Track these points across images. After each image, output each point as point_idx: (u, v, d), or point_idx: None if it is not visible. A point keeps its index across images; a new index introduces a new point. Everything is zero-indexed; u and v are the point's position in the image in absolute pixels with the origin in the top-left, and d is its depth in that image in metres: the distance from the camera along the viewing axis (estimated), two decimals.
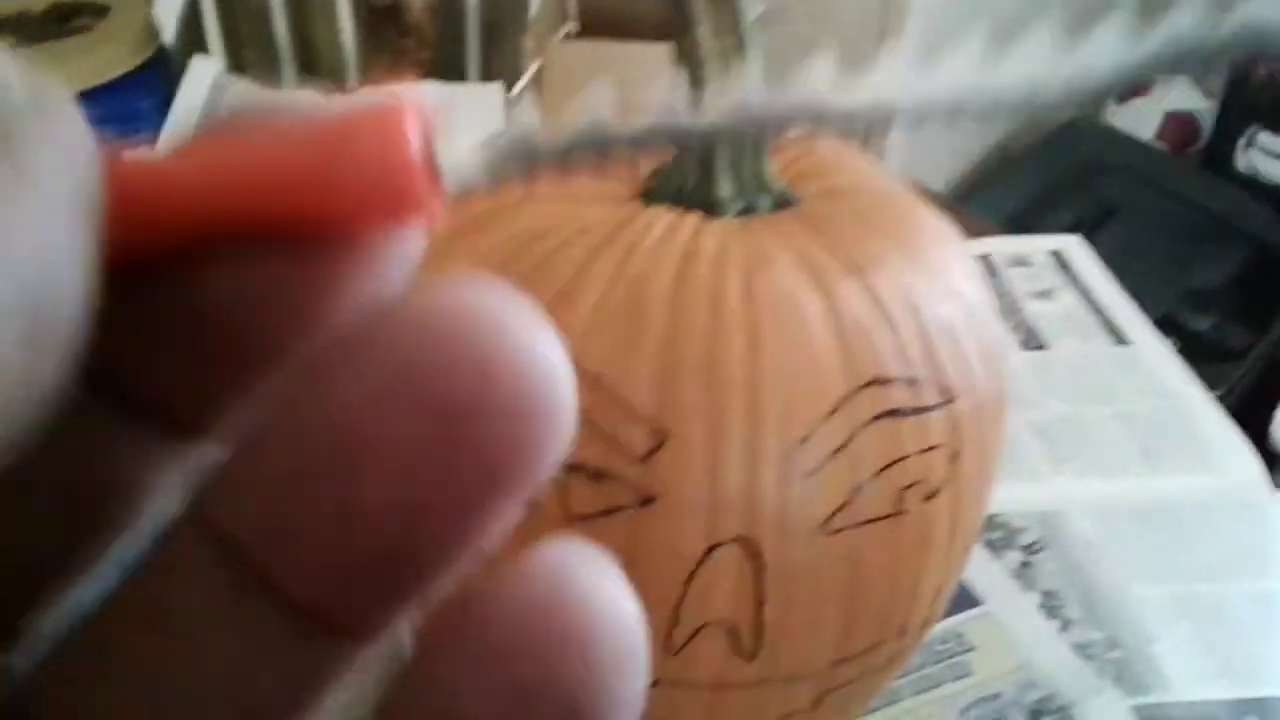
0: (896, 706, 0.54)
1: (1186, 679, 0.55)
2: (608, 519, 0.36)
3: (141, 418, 0.13)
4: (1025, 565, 0.60)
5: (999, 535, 0.62)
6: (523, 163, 0.14)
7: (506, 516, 0.13)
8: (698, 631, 0.38)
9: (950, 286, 0.39)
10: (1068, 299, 0.80)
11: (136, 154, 0.12)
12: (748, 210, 0.39)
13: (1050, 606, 0.58)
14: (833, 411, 0.35)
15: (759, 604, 0.37)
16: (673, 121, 0.15)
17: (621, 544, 0.36)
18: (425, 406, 0.11)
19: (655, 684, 0.39)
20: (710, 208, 0.39)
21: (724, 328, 0.35)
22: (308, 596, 0.12)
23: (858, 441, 0.36)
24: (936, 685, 0.55)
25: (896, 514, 0.37)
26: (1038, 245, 0.87)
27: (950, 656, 0.56)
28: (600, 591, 0.13)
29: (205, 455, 0.14)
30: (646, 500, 0.36)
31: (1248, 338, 0.89)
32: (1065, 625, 0.58)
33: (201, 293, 0.13)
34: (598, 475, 0.36)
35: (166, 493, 0.14)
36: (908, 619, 0.41)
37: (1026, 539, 0.62)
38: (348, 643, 0.13)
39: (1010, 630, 0.57)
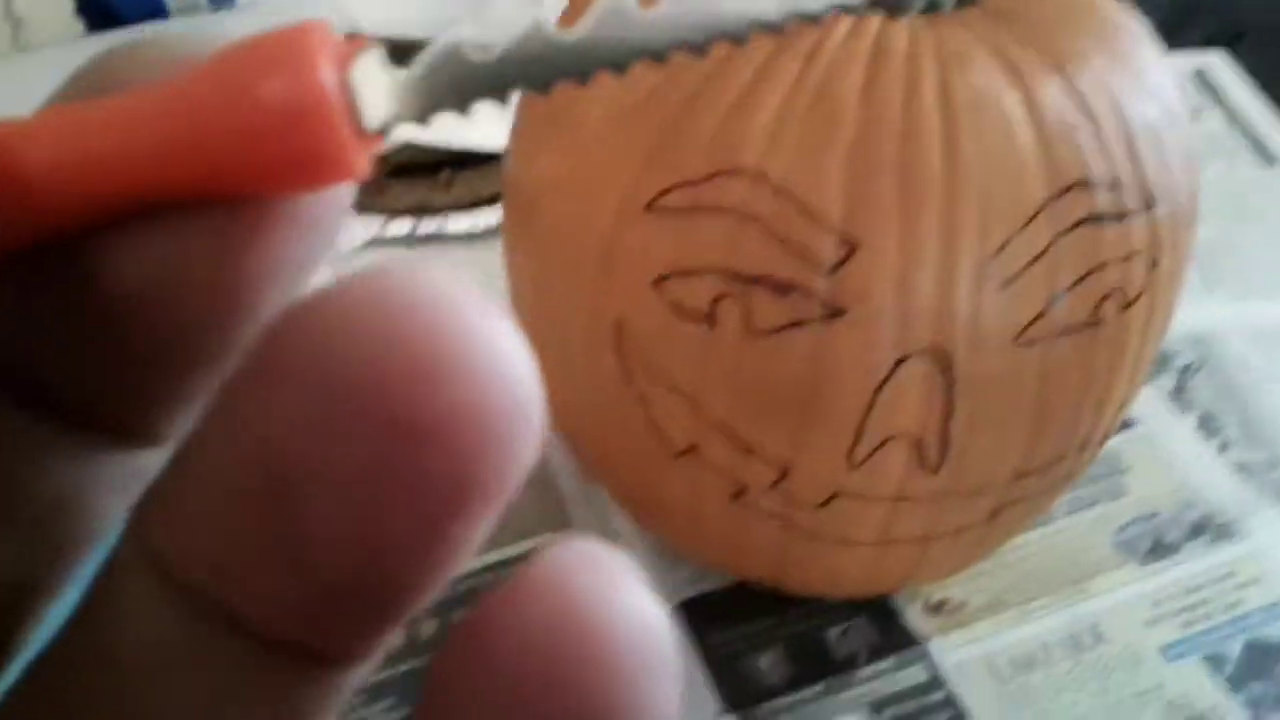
0: (1051, 526, 0.53)
1: None
2: (793, 333, 0.35)
3: (83, 427, 0.12)
4: (1180, 389, 0.59)
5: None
6: (461, 88, 0.12)
7: (479, 528, 0.11)
8: (882, 444, 0.37)
9: (1151, 86, 0.37)
10: (1213, 120, 0.76)
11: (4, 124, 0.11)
12: (931, 7, 0.37)
13: (1208, 428, 0.57)
14: (1033, 217, 0.34)
15: (946, 416, 0.37)
16: None
17: (807, 358, 0.36)
18: (366, 424, 0.09)
19: (834, 497, 0.39)
20: (893, 6, 0.37)
21: (919, 129, 0.34)
22: (271, 630, 0.10)
23: (1057, 249, 0.34)
24: (1092, 505, 0.54)
25: (1092, 324, 0.36)
26: (1180, 64, 0.82)
27: (1106, 477, 0.55)
28: (616, 597, 0.11)
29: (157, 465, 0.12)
30: (835, 313, 0.35)
31: None
32: (1224, 446, 0.56)
33: (103, 276, 0.11)
34: (783, 288, 0.35)
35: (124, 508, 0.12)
36: (1091, 433, 0.41)
37: (1181, 362, 0.60)
38: (329, 669, 0.11)
39: (1167, 451, 0.56)
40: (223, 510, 0.10)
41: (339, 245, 0.65)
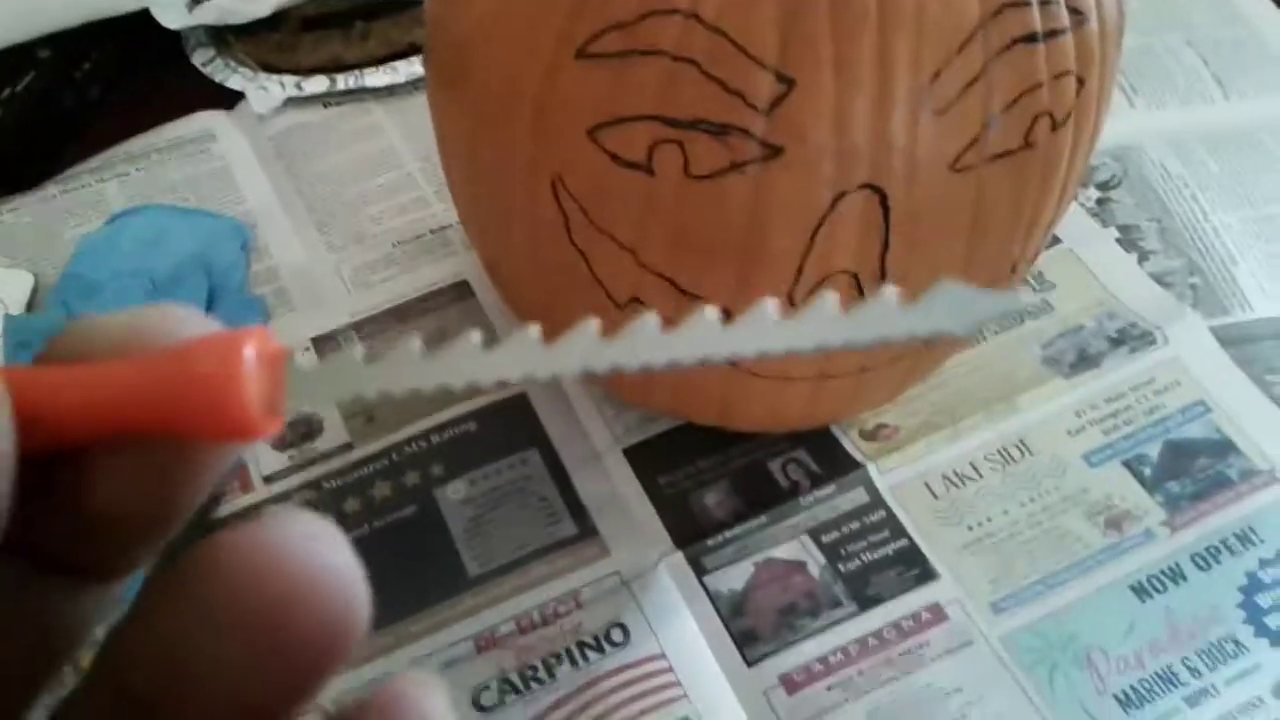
0: (982, 346, 0.55)
1: (1264, 298, 0.56)
2: (731, 176, 0.35)
3: (60, 570, 0.16)
4: (1102, 202, 0.60)
5: None
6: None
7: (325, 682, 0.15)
8: (821, 282, 0.38)
9: None
10: None
11: (20, 372, 0.15)
12: None
13: (1129, 240, 0.58)
14: (967, 41, 0.34)
15: (883, 250, 0.37)
16: None
17: (746, 201, 0.36)
18: (243, 636, 0.14)
19: None
20: None
21: None
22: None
23: (991, 72, 0.34)
24: (1020, 323, 0.56)
25: (1025, 147, 0.36)
26: None
27: (1032, 295, 0.56)
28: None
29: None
30: (772, 153, 0.35)
31: None
32: (1144, 256, 0.58)
33: (86, 492, 0.16)
34: (720, 131, 0.34)
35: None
36: (1021, 256, 0.41)
37: (1102, 175, 0.61)
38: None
39: (1090, 265, 0.57)
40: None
41: (256, 110, 0.62)
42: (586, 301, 0.40)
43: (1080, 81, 0.37)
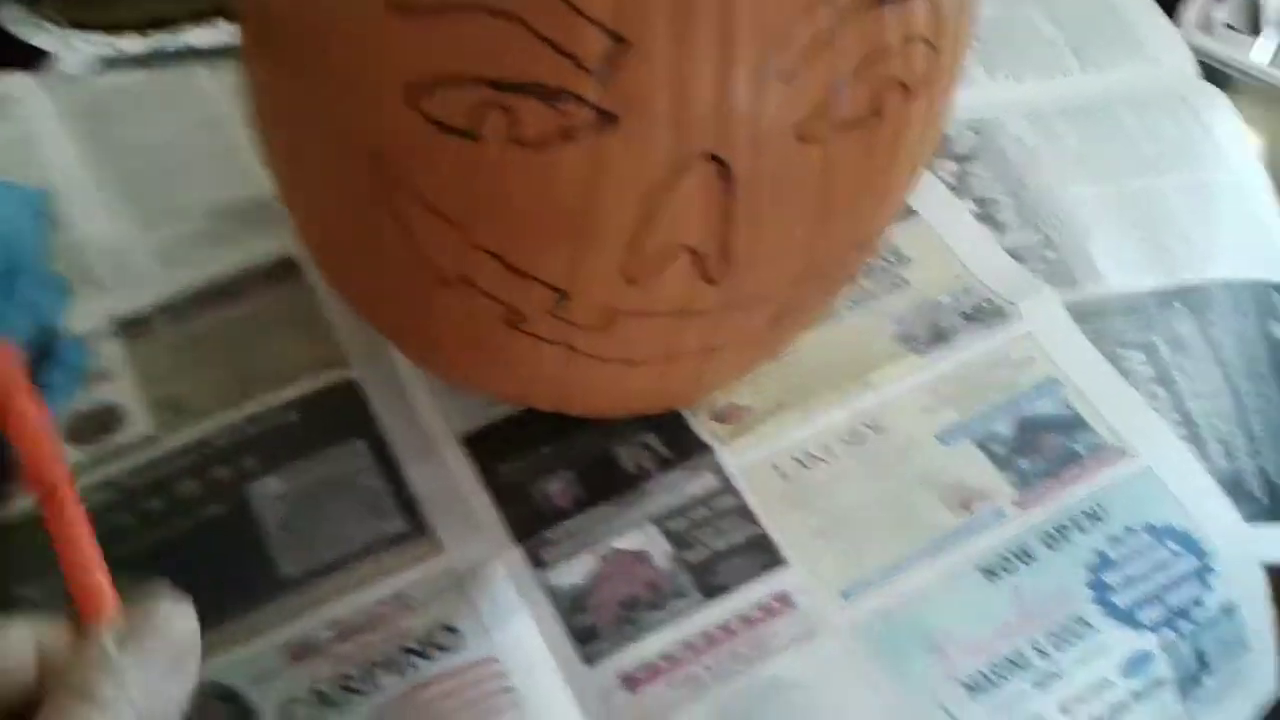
0: (838, 322, 0.53)
1: (1118, 273, 0.56)
2: (564, 145, 0.32)
3: None
4: (959, 175, 0.59)
5: None
6: None
7: None
8: (661, 262, 0.35)
9: None
10: None
11: None
12: None
13: (985, 213, 0.57)
14: (814, 1, 0.31)
15: (726, 224, 0.34)
16: None
17: (580, 171, 0.32)
18: None
19: (615, 318, 0.37)
20: None
21: None
22: None
23: (839, 35, 0.32)
24: (875, 298, 0.54)
25: (874, 116, 0.34)
26: None
27: (887, 270, 0.55)
28: None
29: None
30: (607, 120, 0.32)
31: None
32: (1001, 230, 0.57)
33: None
34: (551, 95, 0.31)
35: None
36: (871, 230, 0.39)
37: (961, 148, 0.60)
38: None
39: (946, 240, 0.56)
40: None
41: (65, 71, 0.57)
42: (414, 281, 0.37)
43: (932, 48, 0.35)
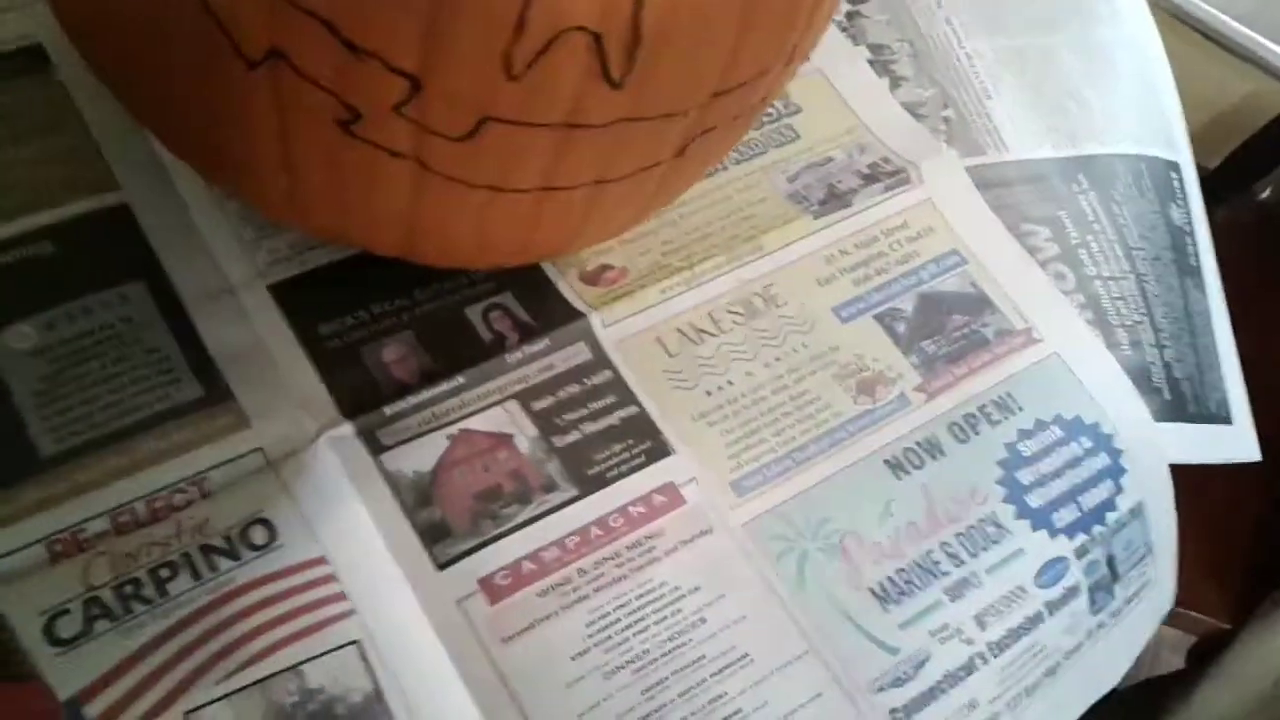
0: (720, 176, 0.46)
1: (1019, 139, 0.50)
2: None
3: None
4: (852, 16, 0.52)
5: None
6: None
7: None
8: (551, 44, 0.27)
9: None
10: None
11: None
12: None
13: (880, 62, 0.51)
14: None
15: (639, 1, 0.26)
16: None
17: None
18: None
19: (484, 122, 0.28)
20: None
21: None
22: None
23: None
24: (762, 152, 0.47)
25: None
26: None
27: (775, 120, 0.48)
28: None
29: None
30: None
31: None
32: (896, 83, 0.50)
33: None
34: None
35: None
36: (803, 36, 0.32)
37: None
38: None
39: (839, 89, 0.49)
40: None
41: None
42: (199, 56, 0.27)
43: None
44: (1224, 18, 0.68)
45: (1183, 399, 0.47)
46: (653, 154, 0.32)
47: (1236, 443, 0.49)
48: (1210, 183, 0.61)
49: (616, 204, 0.35)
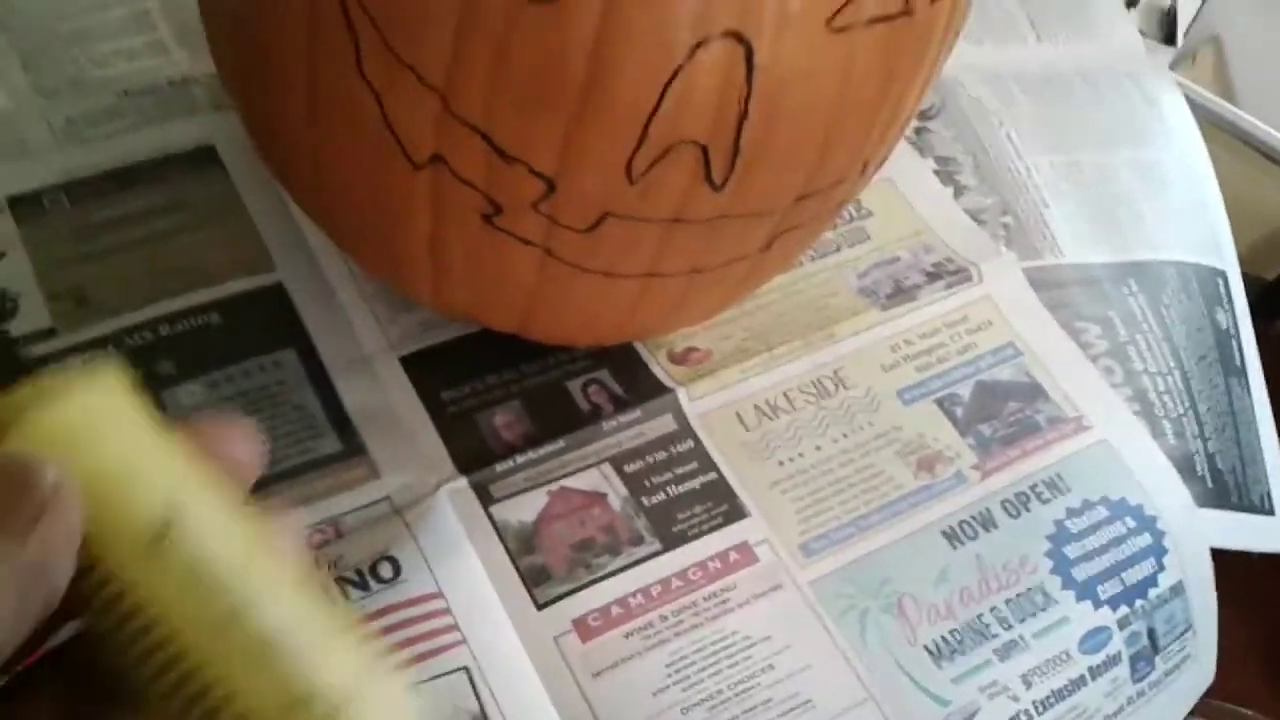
0: (799, 271, 0.50)
1: (1074, 244, 0.54)
2: (574, 5, 0.28)
3: None
4: (920, 131, 0.57)
5: None
6: None
7: None
8: (666, 153, 0.32)
9: None
10: None
11: None
12: None
13: (945, 172, 0.56)
14: None
15: (740, 119, 0.31)
16: None
17: (590, 33, 0.29)
18: None
19: (605, 218, 0.33)
20: None
21: None
22: None
23: None
24: (836, 250, 0.52)
25: (904, 14, 0.32)
26: None
27: (849, 222, 0.53)
28: None
29: None
30: None
31: None
32: (959, 191, 0.55)
33: None
34: None
35: None
36: (875, 151, 0.37)
37: (922, 104, 0.58)
38: None
39: (907, 195, 0.54)
40: None
41: None
42: (374, 159, 0.33)
43: None
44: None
45: (1225, 488, 0.51)
46: (743, 248, 0.37)
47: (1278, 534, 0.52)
48: (1269, 295, 0.65)
49: (708, 291, 0.39)
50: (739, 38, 0.30)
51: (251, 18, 0.33)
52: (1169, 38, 0.83)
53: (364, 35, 0.30)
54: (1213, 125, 0.66)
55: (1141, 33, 0.76)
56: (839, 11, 0.30)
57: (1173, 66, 0.77)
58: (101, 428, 0.19)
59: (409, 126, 0.32)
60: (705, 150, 0.32)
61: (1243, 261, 0.68)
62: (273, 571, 0.20)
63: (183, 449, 0.20)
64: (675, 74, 0.30)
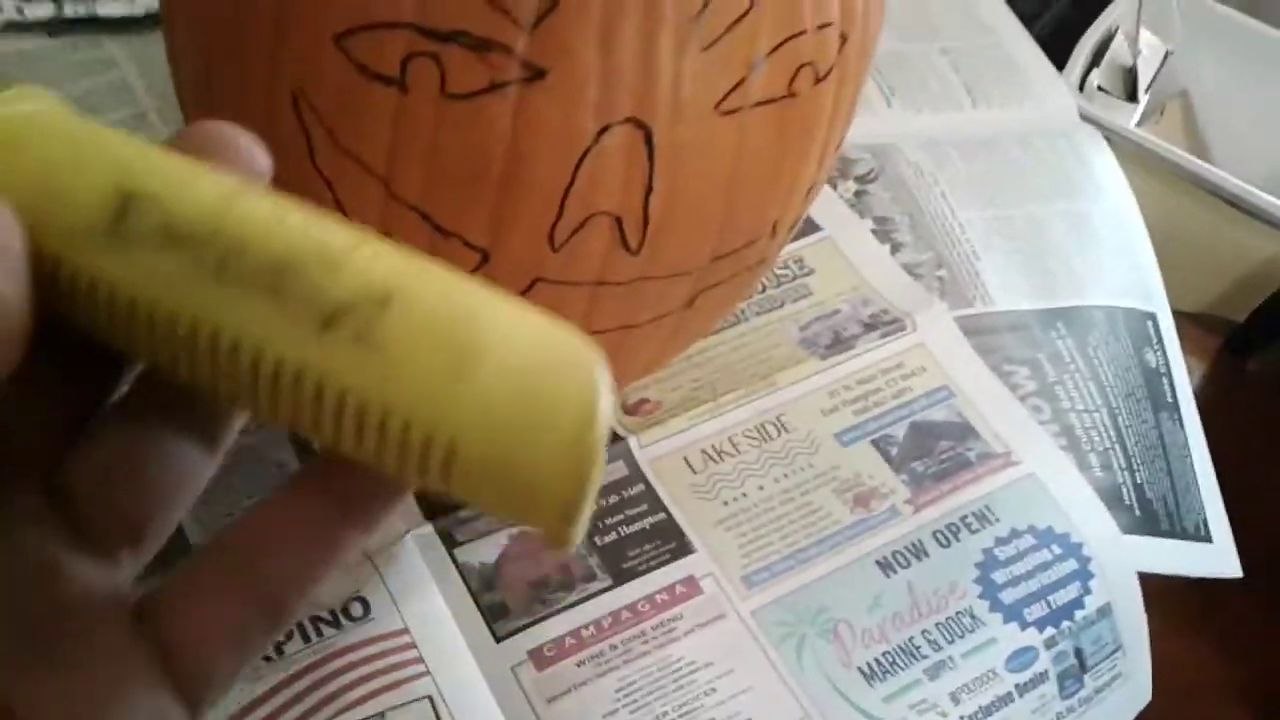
0: (743, 325, 0.55)
1: (1004, 292, 0.58)
2: (492, 97, 0.33)
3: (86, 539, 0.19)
4: (860, 194, 0.61)
5: (836, 166, 0.62)
6: None
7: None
8: (584, 224, 0.36)
9: None
10: None
11: None
12: None
13: (883, 231, 0.60)
14: None
15: (647, 191, 0.36)
16: None
17: (507, 125, 0.34)
18: None
19: (535, 283, 0.38)
20: None
21: None
22: None
23: (757, 12, 0.34)
24: (779, 306, 0.56)
25: (788, 96, 0.36)
26: None
27: (792, 279, 0.57)
28: None
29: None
30: (536, 74, 0.33)
31: (1036, 4, 0.91)
32: (896, 248, 0.59)
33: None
34: (481, 45, 0.32)
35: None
36: (782, 215, 0.41)
37: (861, 169, 0.62)
38: None
39: (847, 254, 0.58)
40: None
41: None
42: None
43: (843, 37, 0.37)
44: (1248, 186, 0.75)
45: (1154, 516, 0.54)
46: (666, 305, 0.41)
47: (1219, 559, 0.55)
48: (1241, 335, 0.68)
49: (642, 345, 0.44)
50: (638, 123, 0.34)
51: (219, 112, 0.38)
52: (1131, 94, 0.87)
53: (314, 132, 0.35)
54: (1180, 177, 0.70)
55: (1103, 89, 0.81)
56: (726, 97, 0.35)
57: (1140, 121, 0.81)
58: (44, 128, 0.18)
59: (358, 207, 0.36)
60: (619, 220, 0.36)
61: (1215, 305, 0.72)
62: (261, 209, 0.18)
63: (133, 141, 0.19)
64: (584, 155, 0.34)
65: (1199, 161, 0.72)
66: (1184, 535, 0.55)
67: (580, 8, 0.32)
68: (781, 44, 0.35)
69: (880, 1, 0.39)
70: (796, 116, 0.37)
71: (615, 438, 0.49)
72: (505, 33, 0.32)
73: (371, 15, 0.32)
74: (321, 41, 0.33)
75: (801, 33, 0.35)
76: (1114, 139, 0.69)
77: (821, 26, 0.36)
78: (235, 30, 0.35)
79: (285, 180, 0.37)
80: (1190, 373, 0.61)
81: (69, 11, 0.59)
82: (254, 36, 0.34)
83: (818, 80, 0.37)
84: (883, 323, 0.56)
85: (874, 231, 0.60)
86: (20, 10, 0.59)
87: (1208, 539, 0.56)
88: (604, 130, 0.34)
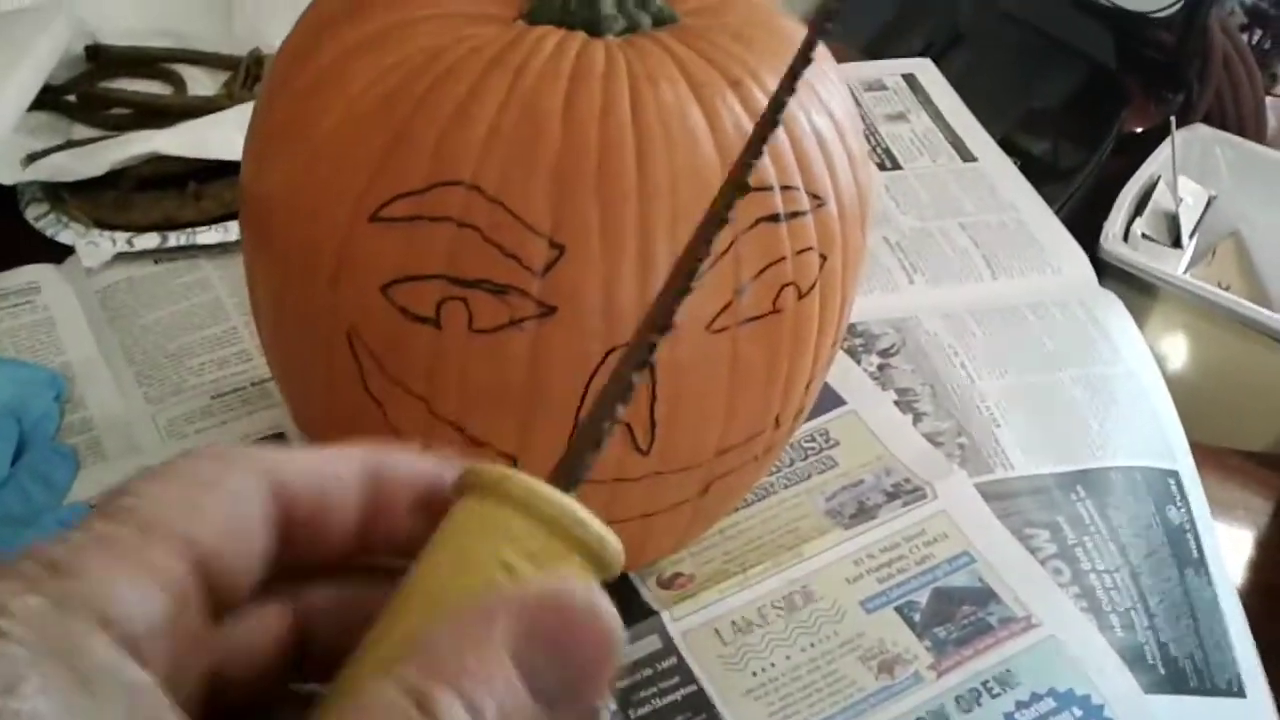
0: (771, 498, 0.58)
1: (1024, 458, 0.62)
2: (511, 331, 0.38)
3: None
4: (882, 368, 0.65)
5: (860, 342, 0.67)
6: None
7: None
8: None
9: (822, 99, 0.42)
10: (919, 121, 0.85)
11: None
12: (630, 29, 0.41)
13: (905, 402, 0.64)
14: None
15: (652, 401, 0.41)
16: None
17: (526, 354, 0.39)
18: None
19: None
20: (593, 26, 0.41)
21: (614, 143, 0.37)
22: None
23: (740, 246, 0.39)
24: (806, 478, 0.60)
25: (774, 312, 0.41)
26: (891, 69, 0.90)
27: (818, 452, 0.61)
28: None
29: None
30: (548, 311, 0.38)
31: (1080, 156, 0.96)
32: (918, 418, 0.63)
33: None
34: (500, 290, 0.38)
35: None
36: (783, 410, 0.46)
37: (884, 344, 0.67)
38: None
39: (870, 425, 0.62)
40: None
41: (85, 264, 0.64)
42: None
43: (823, 257, 0.42)
44: None
45: (1181, 674, 0.56)
46: (681, 495, 0.46)
47: (1253, 714, 0.56)
48: None
49: (665, 529, 0.48)
50: None
51: (290, 349, 0.44)
52: (1175, 240, 0.91)
53: (366, 363, 0.41)
54: (1235, 321, 0.73)
55: (1148, 237, 0.84)
56: (716, 318, 0.40)
57: (1191, 264, 0.85)
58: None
59: (404, 424, 0.42)
60: (629, 426, 0.41)
61: (1273, 447, 0.73)
62: None
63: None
64: (594, 375, 0.39)
65: (1245, 302, 0.75)
66: (1214, 692, 0.56)
67: (583, 256, 0.37)
68: (763, 270, 0.40)
69: (860, 217, 0.44)
70: (785, 328, 0.42)
71: (649, 612, 0.53)
72: (521, 279, 0.38)
73: (411, 269, 0.38)
74: (370, 291, 0.39)
75: (781, 259, 0.40)
76: (1160, 288, 0.72)
77: (800, 251, 0.40)
78: (302, 277, 0.41)
79: (342, 402, 0.43)
80: (1254, 512, 0.62)
81: (173, 241, 0.67)
82: (317, 283, 0.40)
83: (801, 296, 0.41)
84: (905, 491, 0.59)
85: (896, 403, 0.64)
86: (131, 242, 0.67)
87: (1240, 694, 0.57)
88: (610, 352, 0.39)
